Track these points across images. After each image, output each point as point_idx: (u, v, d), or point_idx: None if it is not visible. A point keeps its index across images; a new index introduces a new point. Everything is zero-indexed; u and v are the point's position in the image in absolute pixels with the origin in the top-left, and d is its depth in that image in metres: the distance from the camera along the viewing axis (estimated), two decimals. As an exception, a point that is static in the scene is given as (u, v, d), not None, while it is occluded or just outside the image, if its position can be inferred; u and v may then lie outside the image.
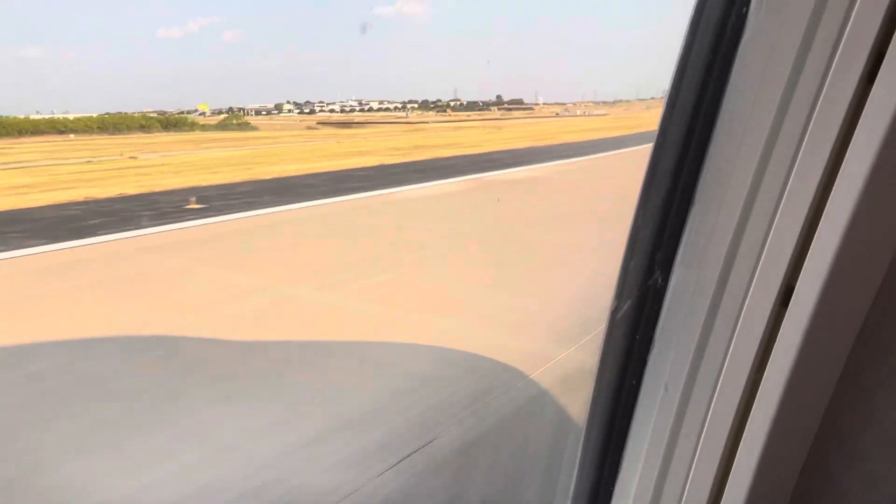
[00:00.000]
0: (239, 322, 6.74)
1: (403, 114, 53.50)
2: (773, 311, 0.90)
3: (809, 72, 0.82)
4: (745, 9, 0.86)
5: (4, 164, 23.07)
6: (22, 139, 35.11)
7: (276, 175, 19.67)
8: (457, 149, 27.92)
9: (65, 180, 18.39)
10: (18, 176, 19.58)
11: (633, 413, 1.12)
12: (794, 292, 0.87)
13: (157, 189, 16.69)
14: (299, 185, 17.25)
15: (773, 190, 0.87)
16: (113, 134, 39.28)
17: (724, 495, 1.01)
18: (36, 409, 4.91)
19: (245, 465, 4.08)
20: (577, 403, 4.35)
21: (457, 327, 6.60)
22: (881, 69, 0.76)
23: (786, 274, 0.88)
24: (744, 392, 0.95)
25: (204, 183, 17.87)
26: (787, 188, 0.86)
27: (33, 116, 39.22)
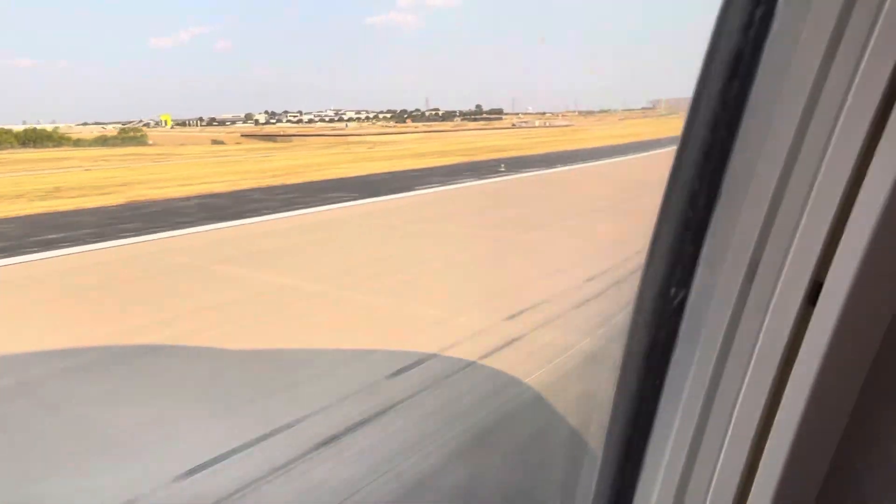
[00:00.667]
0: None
1: (343, 125, 52.91)
2: (800, 309, 0.89)
3: (838, 68, 0.81)
4: (772, 5, 0.86)
5: None
6: None
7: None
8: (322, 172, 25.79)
9: None
10: None
11: (654, 414, 1.11)
12: (822, 290, 0.86)
13: None
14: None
15: (801, 185, 0.86)
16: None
17: (748, 499, 1.00)
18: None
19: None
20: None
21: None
22: None
23: (813, 273, 0.87)
24: (769, 393, 0.94)
25: None
26: (816, 185, 0.85)
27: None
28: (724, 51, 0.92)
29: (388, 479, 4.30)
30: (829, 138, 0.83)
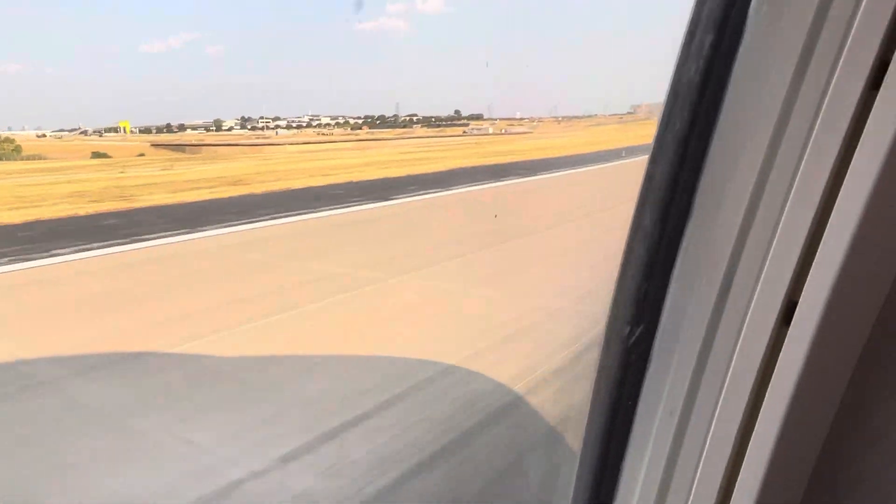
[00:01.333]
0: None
1: (273, 132, 51.46)
2: (774, 327, 0.87)
3: (812, 80, 0.79)
4: (744, 13, 0.84)
5: None
6: None
7: None
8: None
9: None
10: None
11: (629, 435, 1.08)
12: (797, 308, 0.84)
13: None
14: None
15: (774, 201, 0.84)
16: None
17: None
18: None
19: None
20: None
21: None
22: (886, 76, 0.73)
23: (787, 290, 0.85)
24: (745, 414, 0.92)
25: None
26: (790, 199, 0.83)
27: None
28: (692, 68, 0.90)
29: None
30: (803, 154, 0.81)
